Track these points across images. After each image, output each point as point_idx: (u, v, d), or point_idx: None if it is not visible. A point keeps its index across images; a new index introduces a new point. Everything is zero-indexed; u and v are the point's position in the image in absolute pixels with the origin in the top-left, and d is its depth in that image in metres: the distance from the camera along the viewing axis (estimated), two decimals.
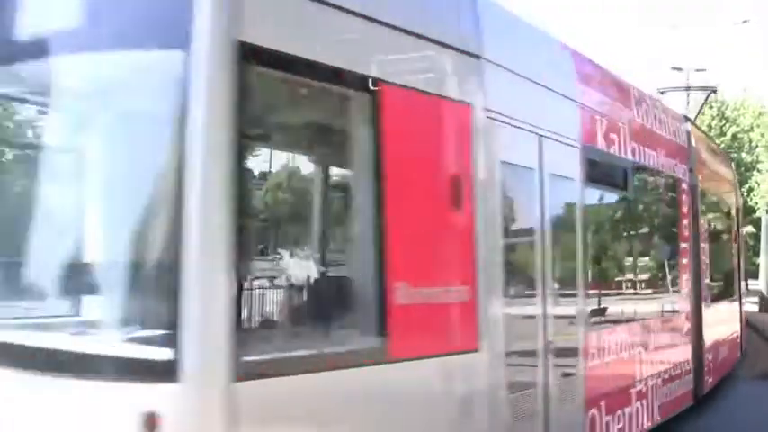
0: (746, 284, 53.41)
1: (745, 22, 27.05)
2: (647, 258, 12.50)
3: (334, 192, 6.89)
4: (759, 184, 34.41)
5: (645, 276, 12.25)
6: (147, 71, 4.96)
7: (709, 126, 45.02)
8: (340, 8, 5.44)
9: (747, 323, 24.51)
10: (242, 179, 4.74)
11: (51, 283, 5.47)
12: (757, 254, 38.20)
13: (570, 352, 8.47)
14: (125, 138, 5.36)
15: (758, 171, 35.28)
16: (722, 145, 44.47)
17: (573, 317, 8.74)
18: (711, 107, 45.93)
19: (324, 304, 5.96)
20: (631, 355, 10.37)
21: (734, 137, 44.69)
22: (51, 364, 4.70)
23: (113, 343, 4.68)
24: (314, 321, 5.94)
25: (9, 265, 5.62)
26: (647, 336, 10.97)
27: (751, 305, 37.80)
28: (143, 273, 4.85)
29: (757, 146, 34.76)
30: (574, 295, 8.83)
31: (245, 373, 4.44)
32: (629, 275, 11.68)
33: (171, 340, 4.32)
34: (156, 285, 4.75)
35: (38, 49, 5.24)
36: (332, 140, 6.41)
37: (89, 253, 5.37)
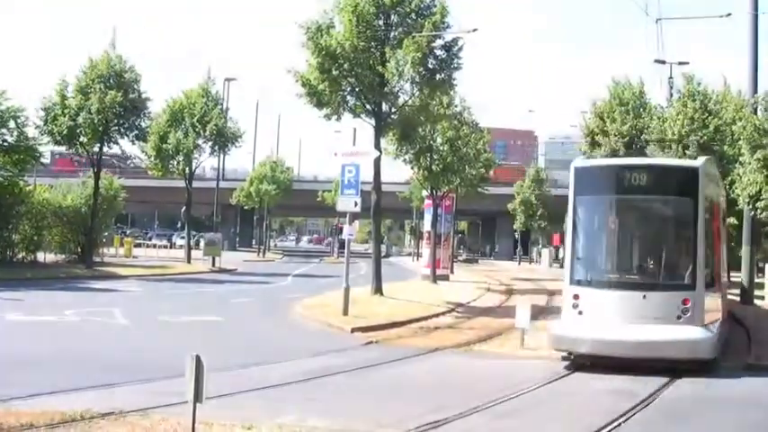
0: (729, 276, 53.63)
1: (728, 15, 27.02)
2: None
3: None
4: (740, 177, 34.51)
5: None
6: (682, 205, 19.23)
7: (692, 119, 45.28)
8: (712, 179, 21.34)
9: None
10: (706, 232, 18.91)
11: (661, 266, 19.62)
12: (739, 245, 38.37)
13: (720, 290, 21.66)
14: (675, 222, 20.16)
15: (740, 164, 35.36)
16: (705, 137, 44.73)
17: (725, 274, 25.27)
18: (694, 100, 46.19)
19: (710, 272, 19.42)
20: (724, 295, 23.28)
21: (716, 129, 44.83)
22: (665, 288, 18.80)
23: (678, 282, 18.77)
24: (708, 277, 19.01)
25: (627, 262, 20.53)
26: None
27: (732, 297, 38.03)
28: (690, 263, 18.49)
29: (739, 138, 34.81)
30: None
31: (702, 289, 18.42)
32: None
33: (693, 280, 18.26)
34: (690, 268, 18.42)
35: (644, 190, 19.27)
36: (711, 218, 20.32)
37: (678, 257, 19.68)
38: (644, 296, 18.31)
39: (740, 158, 35.39)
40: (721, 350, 19.19)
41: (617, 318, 18.19)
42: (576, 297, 18.77)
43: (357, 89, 33.59)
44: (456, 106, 47.50)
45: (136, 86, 47.90)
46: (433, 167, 46.64)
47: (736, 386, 17.02)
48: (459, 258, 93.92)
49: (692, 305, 17.86)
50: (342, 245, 57.46)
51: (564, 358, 18.68)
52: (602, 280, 19.26)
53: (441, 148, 46.89)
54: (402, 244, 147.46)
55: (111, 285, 39.49)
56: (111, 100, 45.02)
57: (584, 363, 18.32)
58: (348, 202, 27.69)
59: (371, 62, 32.58)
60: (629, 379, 16.73)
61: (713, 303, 19.55)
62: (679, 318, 17.83)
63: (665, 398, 15.23)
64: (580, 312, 18.53)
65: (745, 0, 35.27)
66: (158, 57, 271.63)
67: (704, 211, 18.75)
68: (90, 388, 14.00)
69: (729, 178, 41.41)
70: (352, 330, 24.18)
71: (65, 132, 45.78)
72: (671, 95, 51.06)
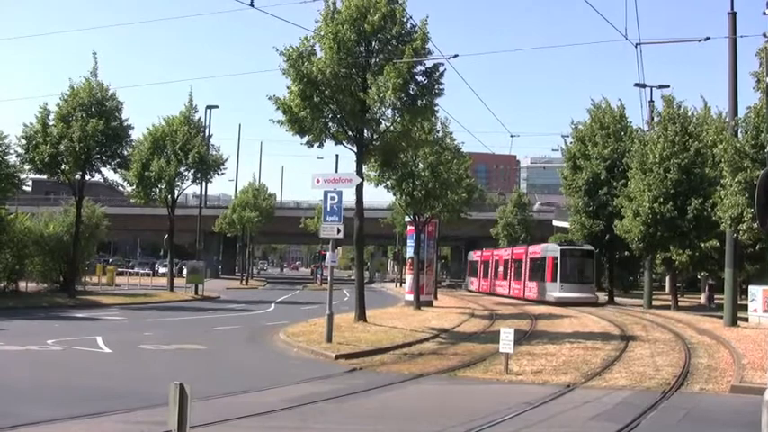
0: (713, 298, 53.91)
1: (706, 39, 27.18)
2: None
3: None
4: (722, 199, 34.65)
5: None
6: (590, 259, 60.79)
7: (673, 142, 45.57)
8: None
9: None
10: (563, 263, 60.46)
11: (586, 276, 60.67)
12: (722, 268, 38.49)
13: None
14: (589, 264, 61.23)
15: (721, 186, 35.53)
16: (686, 160, 45.02)
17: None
18: (675, 123, 46.47)
19: None
20: None
21: (697, 152, 45.16)
22: (586, 283, 60.56)
23: (590, 281, 61.56)
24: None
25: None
26: None
27: (716, 320, 38.11)
28: (593, 276, 63.11)
29: (720, 161, 34.98)
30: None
31: (595, 282, 64.18)
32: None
33: (593, 280, 62.11)
34: (593, 277, 62.97)
35: (580, 256, 61.72)
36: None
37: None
38: (581, 285, 58.66)
39: (721, 181, 35.53)
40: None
41: (574, 290, 58.34)
42: (562, 286, 58.45)
43: (339, 116, 33.65)
44: (437, 132, 47.62)
45: (117, 114, 47.87)
46: (416, 193, 46.63)
47: (721, 407, 17.05)
48: (443, 284, 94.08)
49: (592, 288, 60.64)
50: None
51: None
52: (570, 280, 58.98)
53: (422, 173, 46.87)
54: (385, 270, 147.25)
55: (94, 314, 39.31)
56: (93, 128, 44.97)
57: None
58: (331, 229, 27.61)
59: (353, 89, 32.65)
60: (616, 403, 16.85)
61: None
62: (592, 291, 60.03)
63: (651, 419, 15.18)
64: (563, 290, 58.25)
65: (724, 24, 35.58)
66: (141, 84, 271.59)
67: (596, 261, 61.28)
68: (72, 418, 13.87)
69: (711, 200, 41.65)
70: (336, 357, 24.10)
71: (46, 160, 45.69)
72: (651, 118, 51.37)
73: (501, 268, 76.79)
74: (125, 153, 49.19)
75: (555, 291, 59.09)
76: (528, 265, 67.50)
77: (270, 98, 32.94)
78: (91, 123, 45.05)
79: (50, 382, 18.44)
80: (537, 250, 66.11)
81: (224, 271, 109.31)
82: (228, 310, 45.81)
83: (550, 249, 62.70)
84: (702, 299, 58.27)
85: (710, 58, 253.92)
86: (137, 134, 52.79)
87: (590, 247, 60.65)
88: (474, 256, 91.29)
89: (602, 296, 66.15)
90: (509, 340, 21.14)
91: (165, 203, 58.22)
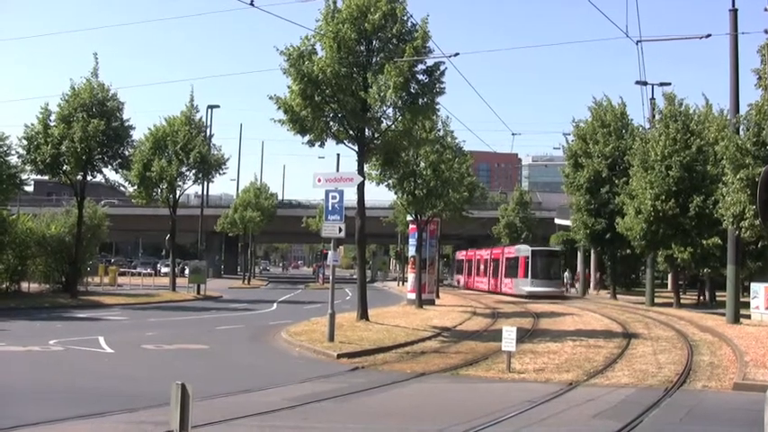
0: (714, 295, 53.83)
1: (707, 36, 27.14)
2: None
3: None
4: (724, 197, 34.61)
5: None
6: (558, 258, 75.06)
7: (674, 140, 45.50)
8: (563, 252, 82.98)
9: None
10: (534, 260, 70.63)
11: (554, 272, 72.76)
12: (724, 265, 38.45)
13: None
14: (557, 262, 73.97)
15: (723, 183, 35.49)
16: (687, 158, 44.96)
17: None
18: (676, 121, 46.42)
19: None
20: None
21: (699, 150, 45.10)
22: (556, 278, 72.78)
23: (558, 277, 73.52)
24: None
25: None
26: None
27: (718, 317, 38.09)
28: (562, 272, 76.49)
29: (722, 158, 34.93)
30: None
31: (563, 278, 76.30)
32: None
33: (561, 275, 75.19)
34: (561, 273, 75.16)
35: (549, 255, 74.95)
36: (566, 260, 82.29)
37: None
38: (549, 281, 68.60)
39: (723, 178, 35.48)
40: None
41: (545, 285, 67.64)
42: (532, 281, 67.61)
43: (340, 115, 33.57)
44: (438, 130, 47.60)
45: (119, 114, 47.85)
46: (417, 192, 46.61)
47: (724, 404, 17.02)
48: (445, 282, 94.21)
49: (559, 283, 71.00)
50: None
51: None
52: (540, 276, 68.44)
53: (424, 172, 46.86)
54: (387, 269, 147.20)
55: (96, 314, 39.31)
56: (94, 128, 44.93)
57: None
58: (332, 228, 27.56)
59: (354, 88, 32.58)
60: (618, 400, 16.82)
61: (564, 283, 74.15)
62: (560, 286, 70.81)
63: (653, 416, 15.14)
64: (533, 285, 67.08)
65: (725, 20, 35.53)
66: (142, 84, 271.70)
67: (562, 260, 75.13)
68: (75, 418, 13.86)
69: (713, 198, 41.61)
70: (339, 356, 24.09)
71: (48, 161, 45.66)
72: (653, 116, 51.31)
73: (482, 266, 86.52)
74: (126, 153, 49.18)
75: (526, 285, 68.46)
76: (504, 264, 76.31)
77: (271, 97, 32.90)
78: (92, 124, 45.03)
79: (53, 382, 18.44)
80: (512, 251, 74.91)
81: (226, 271, 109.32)
82: (231, 310, 45.80)
83: (523, 250, 71.92)
84: (705, 296, 58.12)
85: (712, 56, 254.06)
86: (138, 134, 52.92)
87: (557, 248, 77.87)
88: (459, 255, 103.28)
89: (605, 294, 66.97)
90: (511, 339, 21.13)
91: (166, 203, 58.24)
